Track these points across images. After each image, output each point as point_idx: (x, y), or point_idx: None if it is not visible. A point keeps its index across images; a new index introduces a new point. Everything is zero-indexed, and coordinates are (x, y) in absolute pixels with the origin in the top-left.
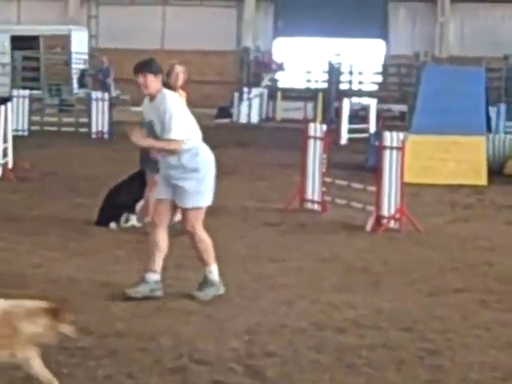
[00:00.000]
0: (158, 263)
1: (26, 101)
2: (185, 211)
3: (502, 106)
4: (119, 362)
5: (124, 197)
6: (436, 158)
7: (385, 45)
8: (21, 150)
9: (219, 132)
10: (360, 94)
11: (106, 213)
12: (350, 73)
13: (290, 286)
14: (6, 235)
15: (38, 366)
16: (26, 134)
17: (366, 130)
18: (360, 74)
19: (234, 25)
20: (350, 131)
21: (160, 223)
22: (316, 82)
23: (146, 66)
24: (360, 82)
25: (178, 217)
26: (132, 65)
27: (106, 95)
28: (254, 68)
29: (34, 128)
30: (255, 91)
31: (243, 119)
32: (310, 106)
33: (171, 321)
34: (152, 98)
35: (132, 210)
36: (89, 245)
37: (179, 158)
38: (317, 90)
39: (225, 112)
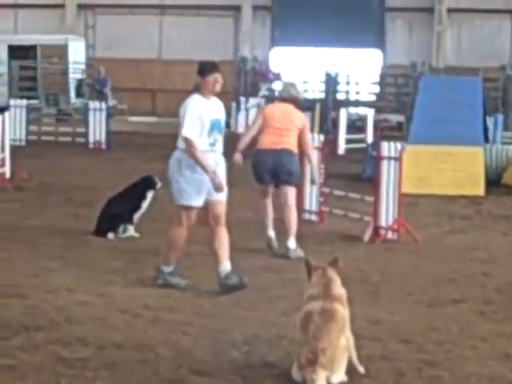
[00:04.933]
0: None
1: (24, 110)
2: (221, 205)
3: (500, 117)
4: (117, 373)
5: (122, 207)
6: (433, 169)
7: (382, 55)
8: (18, 159)
9: None
10: (357, 104)
11: (104, 223)
12: (347, 83)
13: (288, 296)
14: (3, 245)
15: None
16: (23, 143)
17: (363, 140)
18: (357, 84)
19: (231, 34)
20: (348, 141)
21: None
22: (313, 91)
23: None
24: (357, 92)
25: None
26: (129, 74)
27: (104, 105)
28: (252, 78)
29: (31, 138)
30: (252, 101)
31: (241, 129)
32: (307, 116)
33: (169, 332)
34: (207, 97)
35: (130, 221)
36: (86, 255)
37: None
38: (314, 100)
39: None
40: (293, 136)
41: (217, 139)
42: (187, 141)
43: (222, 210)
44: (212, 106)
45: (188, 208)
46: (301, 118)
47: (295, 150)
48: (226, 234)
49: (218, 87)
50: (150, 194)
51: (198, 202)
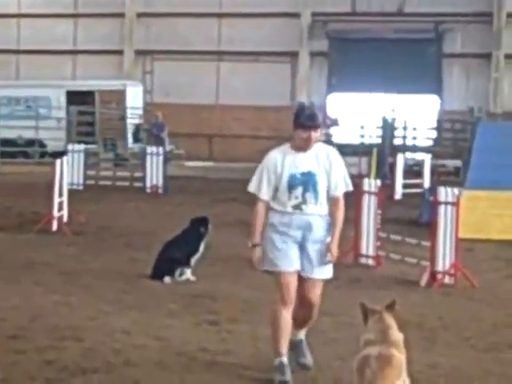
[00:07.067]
0: None
1: (82, 155)
2: (308, 283)
3: None
4: None
5: (178, 251)
6: (491, 214)
7: (439, 100)
8: (76, 203)
9: None
10: (414, 149)
11: (161, 267)
12: (404, 128)
13: (344, 340)
14: (62, 288)
15: None
16: (81, 188)
17: (420, 185)
18: (414, 129)
19: (288, 80)
20: (405, 186)
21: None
22: (370, 137)
23: (319, 120)
24: (414, 138)
25: None
26: (186, 119)
27: (161, 150)
28: None
29: (89, 182)
30: None
31: None
32: (364, 161)
33: (225, 375)
34: (299, 149)
35: (186, 264)
36: (143, 298)
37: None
38: (371, 146)
39: None
40: None
41: (307, 199)
42: (255, 196)
43: (309, 289)
44: (303, 158)
45: (272, 274)
46: None
47: None
48: (314, 316)
49: (308, 146)
50: (205, 233)
51: (281, 266)
